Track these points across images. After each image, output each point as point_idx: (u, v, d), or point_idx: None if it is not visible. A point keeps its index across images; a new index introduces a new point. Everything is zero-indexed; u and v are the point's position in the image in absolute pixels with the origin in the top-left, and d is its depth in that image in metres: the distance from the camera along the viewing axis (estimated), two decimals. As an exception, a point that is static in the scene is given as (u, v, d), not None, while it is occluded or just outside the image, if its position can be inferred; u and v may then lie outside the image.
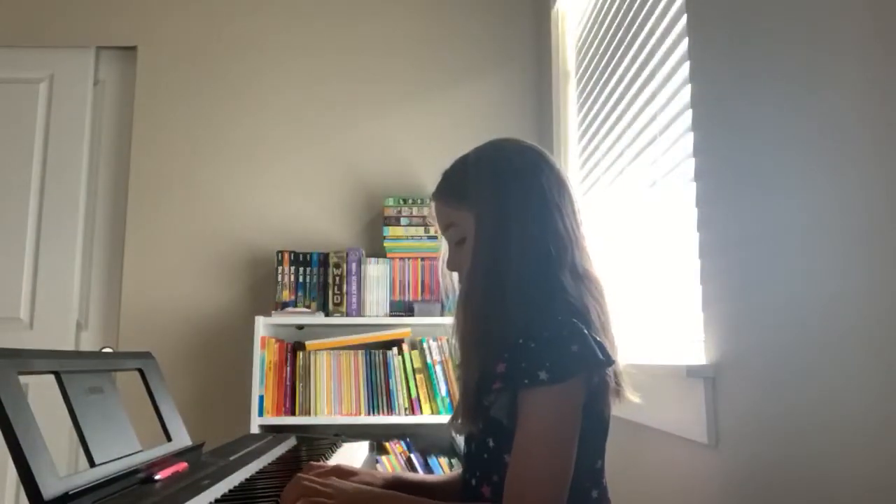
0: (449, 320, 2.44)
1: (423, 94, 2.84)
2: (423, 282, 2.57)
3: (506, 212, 1.02)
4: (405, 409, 2.40)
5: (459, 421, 1.03)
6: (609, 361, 0.95)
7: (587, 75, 2.22)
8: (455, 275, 1.12)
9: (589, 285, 1.02)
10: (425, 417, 2.38)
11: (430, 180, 2.76)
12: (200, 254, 2.73)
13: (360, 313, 2.52)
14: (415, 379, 2.42)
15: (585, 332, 0.93)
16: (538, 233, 1.01)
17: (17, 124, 2.78)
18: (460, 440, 2.41)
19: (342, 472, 1.10)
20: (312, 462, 1.15)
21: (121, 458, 1.00)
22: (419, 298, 2.55)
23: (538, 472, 0.89)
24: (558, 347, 0.91)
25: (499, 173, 1.05)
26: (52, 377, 0.97)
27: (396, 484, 1.16)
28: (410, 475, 1.23)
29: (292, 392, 2.42)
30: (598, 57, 2.08)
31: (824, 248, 0.89)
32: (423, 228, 2.59)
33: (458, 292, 1.11)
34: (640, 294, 1.69)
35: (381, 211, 2.68)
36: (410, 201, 2.62)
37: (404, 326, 2.50)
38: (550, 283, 1.00)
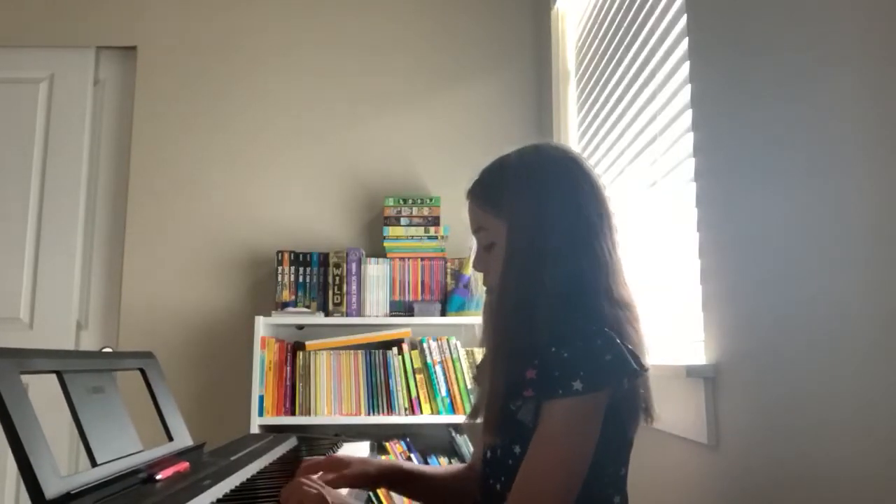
0: (449, 321, 2.47)
1: (423, 93, 2.84)
2: (423, 282, 2.57)
3: (539, 229, 1.00)
4: (405, 409, 2.40)
5: (482, 422, 1.01)
6: (642, 370, 0.94)
7: (587, 75, 2.22)
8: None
9: (625, 312, 1.00)
10: (425, 417, 2.38)
11: (430, 180, 2.76)
12: (200, 254, 2.73)
13: (360, 313, 2.52)
14: (415, 379, 2.42)
15: (618, 341, 0.93)
16: (571, 253, 0.99)
17: (17, 124, 2.78)
18: (460, 440, 2.42)
19: (336, 464, 1.10)
20: (306, 458, 1.15)
21: (122, 457, 1.00)
22: (419, 298, 2.55)
23: (548, 477, 0.89)
24: (592, 357, 0.91)
25: (537, 187, 1.02)
26: (52, 377, 0.97)
27: (392, 472, 1.16)
28: (407, 464, 1.22)
29: (292, 392, 2.42)
30: (598, 57, 2.08)
31: (824, 247, 0.89)
32: (423, 228, 2.59)
33: (483, 294, 1.10)
34: (641, 294, 1.68)
35: (381, 211, 2.68)
36: (410, 201, 2.62)
37: (404, 326, 2.50)
38: (584, 305, 0.98)
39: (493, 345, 1.03)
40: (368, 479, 1.12)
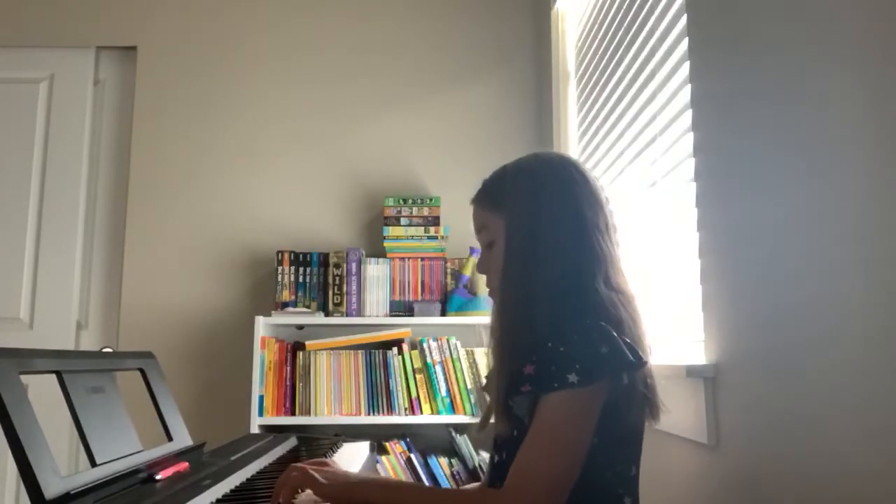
0: (449, 321, 2.47)
1: (423, 93, 2.84)
2: (423, 282, 2.57)
3: (536, 223, 1.02)
4: (405, 409, 2.40)
5: (492, 422, 1.02)
6: (640, 362, 0.95)
7: (587, 75, 2.22)
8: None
9: (622, 298, 1.02)
10: (425, 417, 2.38)
11: (430, 180, 2.76)
12: (200, 254, 2.73)
13: (360, 313, 2.52)
14: (415, 379, 2.42)
15: (614, 334, 0.93)
16: (569, 246, 1.01)
17: (17, 124, 2.78)
18: (460, 440, 2.42)
19: None
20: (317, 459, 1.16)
21: (122, 457, 1.00)
22: (419, 298, 2.55)
23: (541, 467, 0.89)
24: (588, 350, 0.92)
25: (534, 184, 1.06)
26: (52, 377, 0.97)
27: None
28: None
29: (292, 392, 2.42)
30: (598, 57, 2.08)
31: (824, 247, 0.89)
32: (423, 228, 2.59)
33: (490, 296, 1.12)
34: (641, 294, 1.68)
35: (381, 211, 2.68)
36: (410, 201, 2.62)
37: (404, 326, 2.50)
38: (581, 291, 1.00)
39: (498, 344, 1.03)
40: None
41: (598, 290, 0.99)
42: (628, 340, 0.95)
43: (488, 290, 1.12)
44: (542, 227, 1.02)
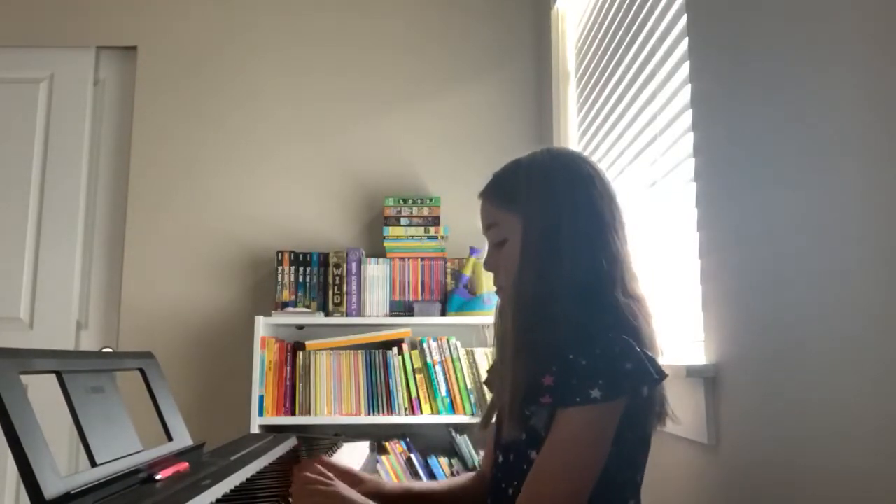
0: (449, 321, 2.47)
1: (423, 93, 2.84)
2: (423, 282, 2.57)
3: (556, 222, 1.00)
4: (405, 409, 2.40)
5: (503, 419, 1.01)
6: (662, 377, 0.94)
7: (587, 75, 2.22)
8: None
9: (638, 304, 1.01)
10: (425, 417, 2.38)
11: (430, 180, 2.76)
12: (200, 254, 2.73)
13: (360, 313, 2.52)
14: (415, 379, 2.42)
15: (637, 348, 0.92)
16: (588, 245, 1.00)
17: (17, 124, 2.78)
18: (460, 440, 2.42)
19: (352, 479, 1.11)
20: (324, 458, 1.15)
21: (122, 457, 1.00)
22: (419, 298, 2.55)
23: (557, 483, 0.89)
24: (611, 365, 0.90)
25: (551, 182, 1.03)
26: (52, 377, 0.97)
27: (405, 495, 1.16)
28: (418, 484, 1.23)
29: (292, 392, 2.42)
30: (598, 57, 2.08)
31: (824, 247, 0.89)
32: (423, 228, 2.59)
33: (497, 294, 1.10)
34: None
35: (381, 211, 2.68)
36: (410, 201, 2.62)
37: (404, 326, 2.50)
38: (601, 298, 0.98)
39: (512, 341, 1.01)
40: (382, 497, 1.12)
41: (617, 298, 0.98)
42: (649, 353, 0.94)
43: (496, 288, 1.10)
44: (562, 226, 1.00)
